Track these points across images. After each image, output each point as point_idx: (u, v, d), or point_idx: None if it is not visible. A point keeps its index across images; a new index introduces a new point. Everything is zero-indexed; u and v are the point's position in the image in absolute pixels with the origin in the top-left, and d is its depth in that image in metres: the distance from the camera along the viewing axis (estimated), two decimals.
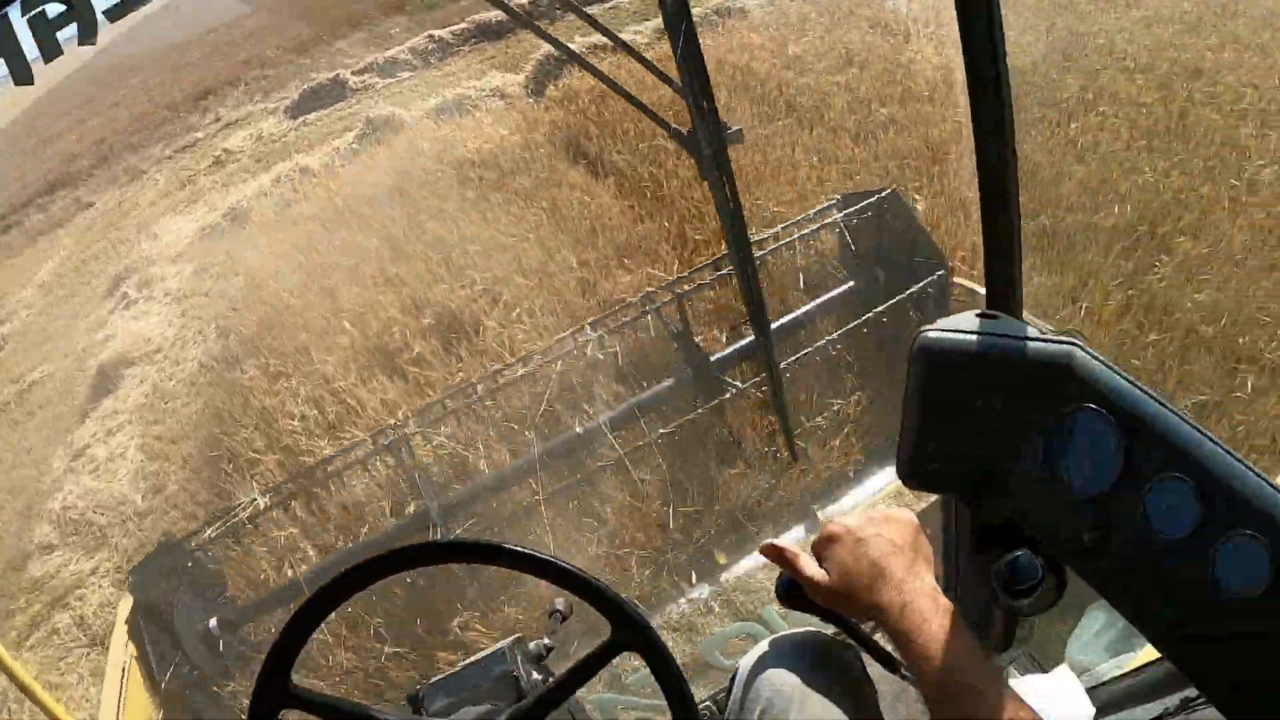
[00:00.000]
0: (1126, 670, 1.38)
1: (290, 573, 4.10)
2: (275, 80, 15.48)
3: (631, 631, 0.92)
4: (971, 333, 0.85)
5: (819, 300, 4.23)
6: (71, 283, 10.96)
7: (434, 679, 1.19)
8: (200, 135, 14.50)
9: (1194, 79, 5.85)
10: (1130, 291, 4.14)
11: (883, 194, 4.11)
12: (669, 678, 0.92)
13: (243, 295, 7.55)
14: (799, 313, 4.18)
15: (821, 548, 0.85)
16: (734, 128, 2.80)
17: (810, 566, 0.85)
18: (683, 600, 3.50)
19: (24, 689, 2.04)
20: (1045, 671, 1.54)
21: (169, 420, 6.53)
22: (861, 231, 4.18)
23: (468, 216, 6.67)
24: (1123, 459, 0.77)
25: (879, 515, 0.85)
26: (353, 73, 13.35)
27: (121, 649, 3.51)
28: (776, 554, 0.88)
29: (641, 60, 2.92)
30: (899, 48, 7.65)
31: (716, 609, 3.37)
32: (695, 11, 2.82)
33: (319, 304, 6.42)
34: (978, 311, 0.89)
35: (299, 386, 5.55)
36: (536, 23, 3.80)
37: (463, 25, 13.40)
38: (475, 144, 8.07)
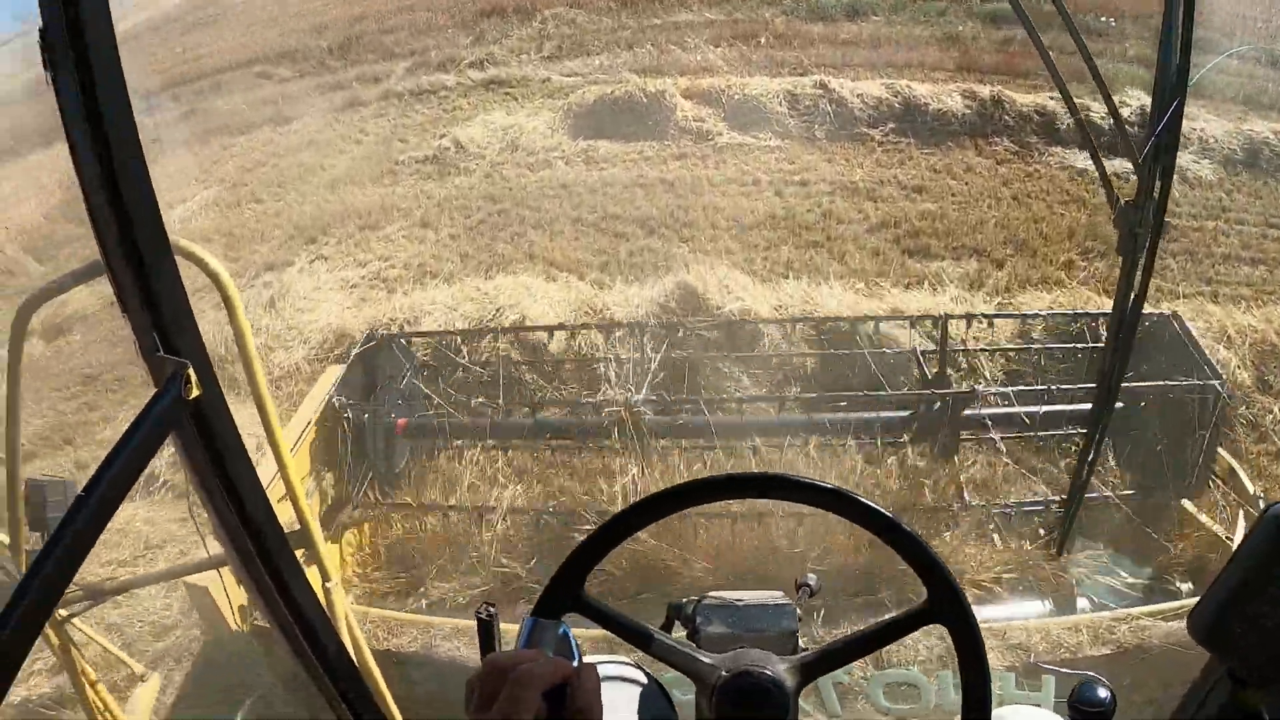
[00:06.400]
0: None
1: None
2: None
3: (949, 606, 0.91)
4: None
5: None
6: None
7: (707, 599, 1.07)
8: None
9: None
10: None
11: (1165, 314, 4.45)
12: (974, 664, 0.90)
13: None
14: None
15: None
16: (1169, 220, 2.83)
17: None
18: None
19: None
20: None
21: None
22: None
23: None
24: None
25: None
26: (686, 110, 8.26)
27: (315, 402, 4.06)
28: None
29: (1119, 122, 2.87)
30: None
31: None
32: None
33: None
34: None
35: None
36: None
37: None
38: None
